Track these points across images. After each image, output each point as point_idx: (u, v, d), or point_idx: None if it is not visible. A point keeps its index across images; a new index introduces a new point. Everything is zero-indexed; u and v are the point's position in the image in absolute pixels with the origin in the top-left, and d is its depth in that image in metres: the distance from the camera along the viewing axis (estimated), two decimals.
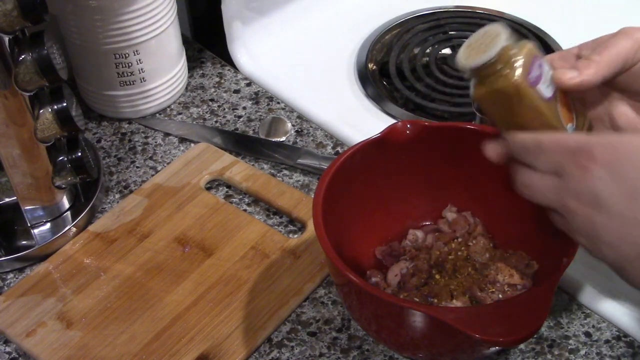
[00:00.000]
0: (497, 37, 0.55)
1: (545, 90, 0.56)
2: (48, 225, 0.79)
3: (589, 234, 0.52)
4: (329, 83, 0.97)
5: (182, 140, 0.90)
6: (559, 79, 0.57)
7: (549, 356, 0.69)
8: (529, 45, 0.56)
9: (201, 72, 0.99)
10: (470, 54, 0.56)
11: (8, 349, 0.71)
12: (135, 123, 0.92)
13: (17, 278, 0.77)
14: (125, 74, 0.88)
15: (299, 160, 0.85)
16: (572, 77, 0.57)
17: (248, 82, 0.97)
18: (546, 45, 1.00)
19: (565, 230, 0.55)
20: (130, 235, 0.78)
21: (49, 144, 0.75)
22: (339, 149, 0.88)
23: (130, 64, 0.87)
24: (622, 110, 0.57)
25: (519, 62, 0.55)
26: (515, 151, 0.57)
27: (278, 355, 0.70)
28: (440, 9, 1.07)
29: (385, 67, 0.98)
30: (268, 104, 0.94)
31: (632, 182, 0.48)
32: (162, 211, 0.80)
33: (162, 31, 0.87)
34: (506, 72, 0.55)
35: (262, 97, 0.95)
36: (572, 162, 0.51)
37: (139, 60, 0.87)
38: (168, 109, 0.94)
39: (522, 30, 1.02)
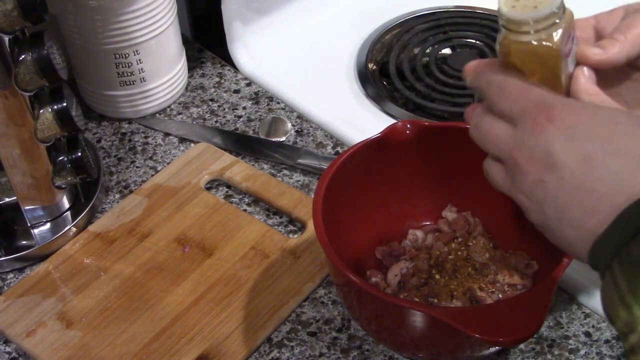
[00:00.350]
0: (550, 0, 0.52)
1: (570, 65, 0.55)
2: (48, 225, 0.79)
3: (534, 194, 0.50)
4: (329, 83, 0.97)
5: (182, 140, 0.90)
6: (584, 53, 0.55)
7: (549, 356, 0.69)
8: (571, 14, 0.54)
9: (201, 72, 0.99)
10: (516, 4, 0.53)
11: (8, 349, 0.71)
12: (135, 123, 0.92)
13: (17, 278, 0.77)
14: (125, 74, 0.88)
15: (299, 160, 0.85)
16: (596, 53, 0.55)
17: (248, 82, 0.97)
18: None
19: (502, 186, 0.54)
20: (130, 235, 0.78)
21: (49, 144, 0.75)
22: (339, 149, 0.88)
23: (130, 64, 0.87)
24: (580, 78, 0.56)
25: (561, 30, 0.53)
26: (480, 84, 0.55)
27: (278, 355, 0.70)
28: (440, 9, 1.07)
29: (385, 67, 0.98)
30: (268, 104, 0.94)
31: (587, 148, 0.47)
32: (162, 211, 0.80)
33: (162, 31, 0.87)
34: (548, 37, 0.52)
35: (262, 97, 0.95)
36: (531, 116, 0.50)
37: (139, 60, 0.87)
38: (168, 109, 0.94)
39: None
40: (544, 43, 0.52)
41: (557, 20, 0.52)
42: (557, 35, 0.52)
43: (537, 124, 0.49)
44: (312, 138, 0.90)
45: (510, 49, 0.54)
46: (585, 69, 0.55)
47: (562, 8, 0.53)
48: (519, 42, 0.53)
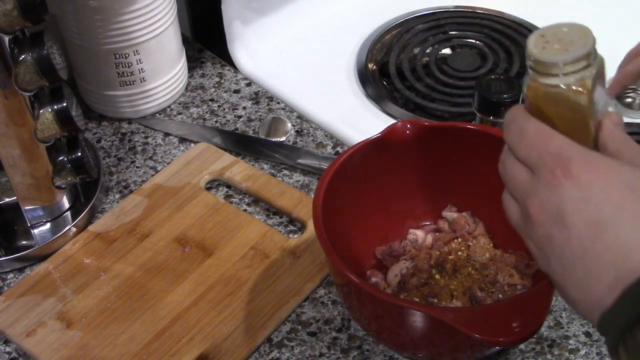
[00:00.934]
0: (582, 42, 0.50)
1: (599, 110, 0.52)
2: (48, 225, 0.79)
3: (542, 246, 0.49)
4: (329, 83, 0.97)
5: (182, 140, 0.90)
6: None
7: (549, 356, 0.69)
8: (602, 59, 0.52)
9: (201, 72, 0.99)
10: (546, 46, 0.51)
11: (8, 349, 0.71)
12: (135, 123, 0.92)
13: (17, 278, 0.77)
14: (125, 74, 0.88)
15: (299, 160, 0.86)
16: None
17: (248, 82, 0.97)
18: None
19: (515, 224, 0.53)
20: (130, 235, 0.78)
21: (49, 144, 0.75)
22: (339, 149, 0.88)
23: (130, 64, 0.87)
24: (608, 124, 0.52)
25: (593, 74, 0.50)
26: (504, 122, 0.53)
27: (278, 355, 0.70)
28: (440, 9, 1.07)
29: (385, 67, 0.98)
30: (268, 104, 0.94)
31: (598, 213, 0.46)
32: (162, 211, 0.80)
33: (162, 31, 0.87)
34: (579, 80, 0.50)
35: (262, 97, 0.95)
36: (548, 166, 0.48)
37: (139, 60, 0.87)
38: (168, 109, 0.94)
39: (522, 30, 1.02)
40: (573, 87, 0.50)
41: (589, 64, 0.50)
42: (588, 78, 0.50)
43: (553, 177, 0.48)
44: (312, 138, 0.90)
45: (538, 92, 0.51)
46: (614, 115, 0.52)
47: (594, 51, 0.50)
48: (547, 85, 0.50)
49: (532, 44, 0.51)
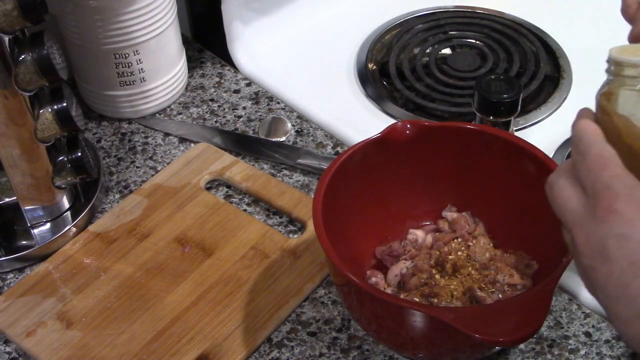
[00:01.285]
0: None
1: None
2: (48, 225, 0.79)
3: (587, 275, 0.50)
4: (329, 83, 0.97)
5: (182, 140, 0.90)
6: None
7: (549, 356, 0.69)
8: None
9: (201, 72, 0.99)
10: (624, 52, 0.50)
11: (8, 349, 0.71)
12: (135, 123, 0.92)
13: (17, 278, 0.77)
14: (125, 74, 0.88)
15: (299, 160, 0.85)
16: None
17: (248, 82, 0.97)
18: (546, 45, 1.00)
19: (566, 243, 0.53)
20: (130, 235, 0.78)
21: (49, 144, 0.75)
22: (339, 149, 0.88)
23: (130, 64, 0.87)
24: None
25: None
26: (573, 135, 0.52)
27: (278, 355, 0.70)
28: (440, 9, 1.07)
29: (385, 67, 0.98)
30: (268, 104, 0.94)
31: (638, 254, 0.46)
32: (162, 211, 0.80)
33: (162, 31, 0.87)
34: None
35: (262, 97, 0.95)
36: (596, 198, 0.48)
37: (139, 60, 0.87)
38: (168, 109, 0.94)
39: (522, 30, 1.02)
40: None
41: None
42: None
43: (599, 210, 0.48)
44: (312, 138, 0.90)
45: (610, 97, 0.50)
46: None
47: None
48: (619, 87, 0.49)
49: (612, 49, 0.50)
